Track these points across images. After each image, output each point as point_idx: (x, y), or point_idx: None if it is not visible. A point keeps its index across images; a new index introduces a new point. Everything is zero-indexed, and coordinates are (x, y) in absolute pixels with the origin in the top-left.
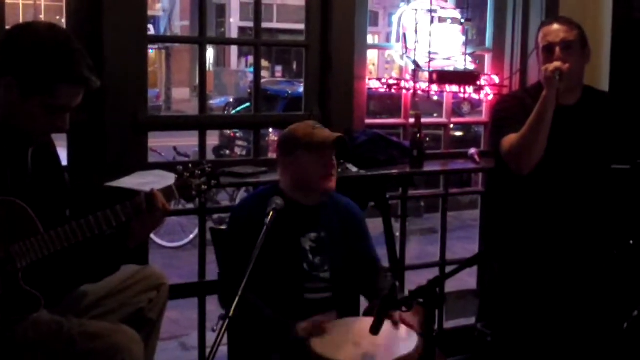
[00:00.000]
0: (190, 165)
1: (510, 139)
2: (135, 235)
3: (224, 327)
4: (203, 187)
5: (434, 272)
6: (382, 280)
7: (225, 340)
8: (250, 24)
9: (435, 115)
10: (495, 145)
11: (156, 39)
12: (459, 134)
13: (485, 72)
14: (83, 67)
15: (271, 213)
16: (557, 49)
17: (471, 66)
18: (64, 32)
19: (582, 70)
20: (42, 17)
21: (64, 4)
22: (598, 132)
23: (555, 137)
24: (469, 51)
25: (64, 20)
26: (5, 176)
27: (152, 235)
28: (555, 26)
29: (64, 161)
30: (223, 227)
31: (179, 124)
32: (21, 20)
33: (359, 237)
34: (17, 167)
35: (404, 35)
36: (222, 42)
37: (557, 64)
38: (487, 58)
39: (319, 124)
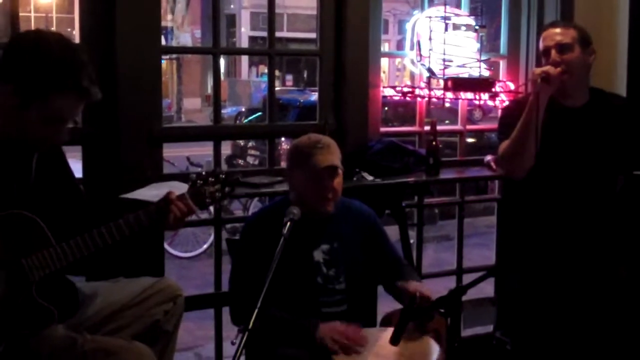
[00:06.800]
0: (204, 173)
1: (503, 145)
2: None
3: (244, 340)
4: (217, 194)
5: (451, 280)
6: (408, 275)
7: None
8: (261, 34)
9: (447, 122)
10: None
11: (170, 50)
12: (470, 140)
13: (500, 78)
14: (83, 78)
15: (288, 223)
16: (553, 52)
17: (486, 73)
18: (72, 44)
19: (585, 71)
20: (53, 29)
21: (75, 16)
22: (608, 135)
23: (561, 139)
24: (483, 58)
25: (74, 32)
26: (11, 187)
27: (165, 245)
28: (551, 30)
29: (79, 173)
30: (237, 237)
31: (193, 134)
32: None
33: (376, 238)
34: (22, 176)
35: (418, 42)
36: (235, 52)
37: (545, 67)
38: (502, 64)
39: (325, 142)
